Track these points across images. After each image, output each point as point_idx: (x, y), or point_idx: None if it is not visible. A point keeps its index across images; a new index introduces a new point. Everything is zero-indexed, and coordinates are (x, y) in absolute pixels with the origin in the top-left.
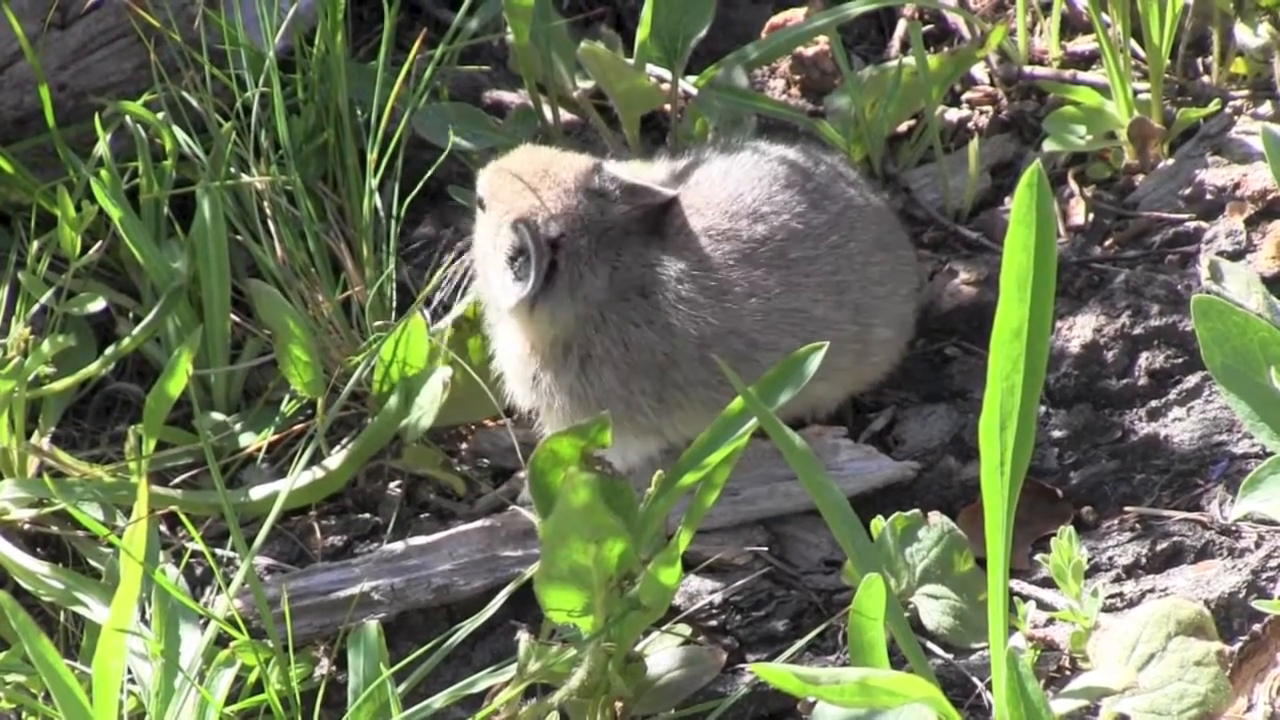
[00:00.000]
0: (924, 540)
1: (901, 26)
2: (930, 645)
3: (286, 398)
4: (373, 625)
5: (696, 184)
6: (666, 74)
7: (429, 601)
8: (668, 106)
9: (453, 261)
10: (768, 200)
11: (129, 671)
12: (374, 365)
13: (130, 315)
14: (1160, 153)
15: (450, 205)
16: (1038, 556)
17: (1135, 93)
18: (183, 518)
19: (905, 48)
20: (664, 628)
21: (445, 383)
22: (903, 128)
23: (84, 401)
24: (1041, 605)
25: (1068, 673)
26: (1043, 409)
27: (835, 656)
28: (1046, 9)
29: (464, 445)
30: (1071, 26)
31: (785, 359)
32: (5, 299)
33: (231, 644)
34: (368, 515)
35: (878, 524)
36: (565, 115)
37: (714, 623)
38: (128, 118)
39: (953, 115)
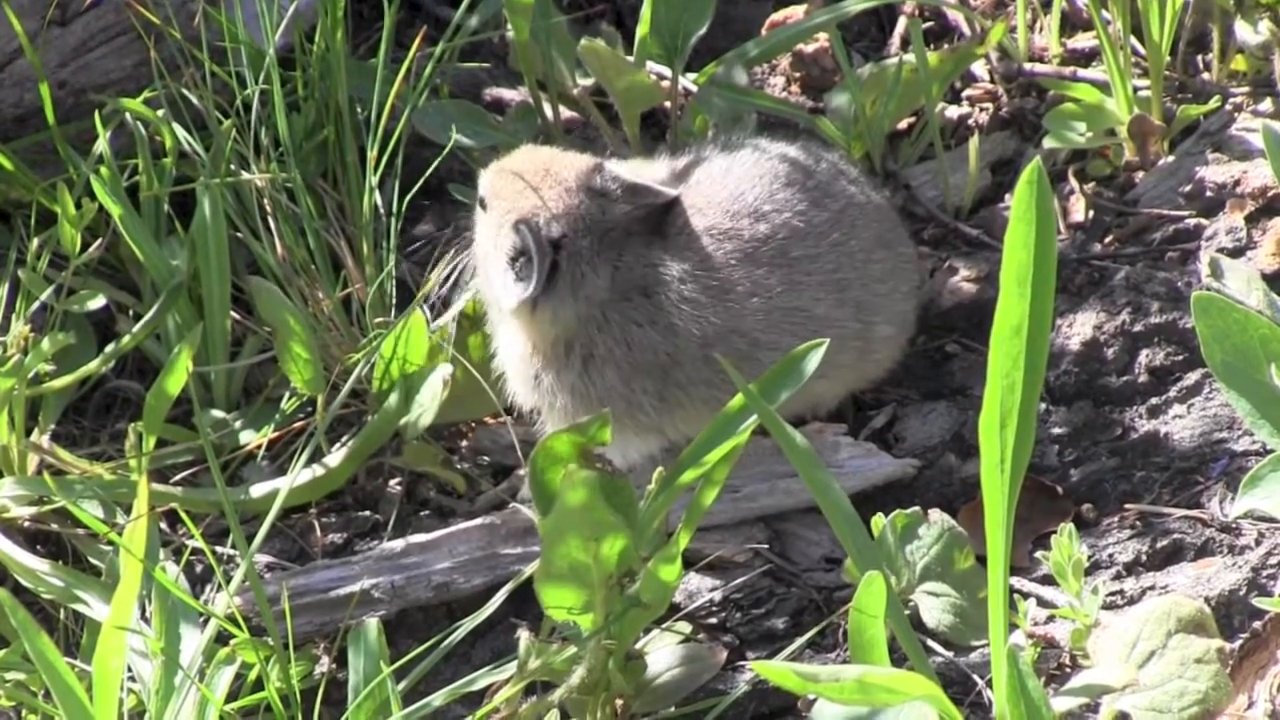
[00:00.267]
0: (924, 538)
1: (902, 23)
2: (930, 643)
3: (287, 395)
4: (373, 623)
5: (697, 183)
6: (666, 71)
7: (429, 599)
8: (668, 104)
9: (450, 258)
10: (769, 199)
11: (129, 669)
12: (374, 363)
13: (130, 313)
14: (1160, 150)
15: (450, 202)
16: (1038, 554)
17: (1135, 90)
18: (183, 515)
19: (905, 45)
20: (664, 625)
21: (445, 380)
22: (903, 125)
23: (84, 399)
24: (1042, 603)
25: (1068, 670)
26: (1043, 406)
27: (835, 654)
28: (1047, 6)
29: (464, 443)
30: (1072, 23)
31: (786, 357)
32: (5, 296)
33: (232, 642)
34: (368, 513)
35: (878, 521)
36: (565, 112)
37: (714, 620)
38: (128, 115)
39: (953, 112)
